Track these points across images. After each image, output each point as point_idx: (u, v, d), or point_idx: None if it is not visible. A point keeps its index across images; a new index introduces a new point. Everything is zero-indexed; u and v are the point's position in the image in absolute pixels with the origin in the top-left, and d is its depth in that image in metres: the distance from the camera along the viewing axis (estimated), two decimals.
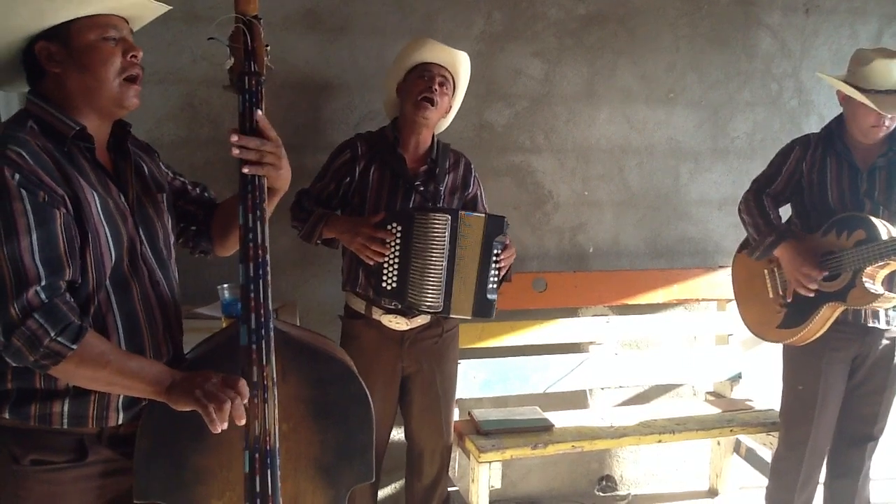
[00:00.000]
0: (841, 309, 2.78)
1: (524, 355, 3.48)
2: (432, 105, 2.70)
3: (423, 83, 2.71)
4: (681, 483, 3.94)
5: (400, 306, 2.67)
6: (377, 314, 2.75)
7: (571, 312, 3.60)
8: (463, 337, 3.24)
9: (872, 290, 2.67)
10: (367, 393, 1.78)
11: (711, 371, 3.72)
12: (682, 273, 3.66)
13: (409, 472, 3.04)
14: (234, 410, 1.51)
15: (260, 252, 1.61)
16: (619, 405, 3.75)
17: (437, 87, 2.70)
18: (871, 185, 2.78)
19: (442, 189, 2.80)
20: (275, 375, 1.60)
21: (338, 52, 3.22)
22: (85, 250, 1.58)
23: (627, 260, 3.72)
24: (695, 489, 3.91)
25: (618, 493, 3.84)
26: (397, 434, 3.13)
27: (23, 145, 1.52)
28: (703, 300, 3.75)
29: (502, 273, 2.66)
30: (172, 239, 1.87)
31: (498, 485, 3.57)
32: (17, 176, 1.48)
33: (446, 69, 2.77)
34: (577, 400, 3.62)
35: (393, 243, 2.58)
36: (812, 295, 2.79)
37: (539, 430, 3.21)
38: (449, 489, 3.09)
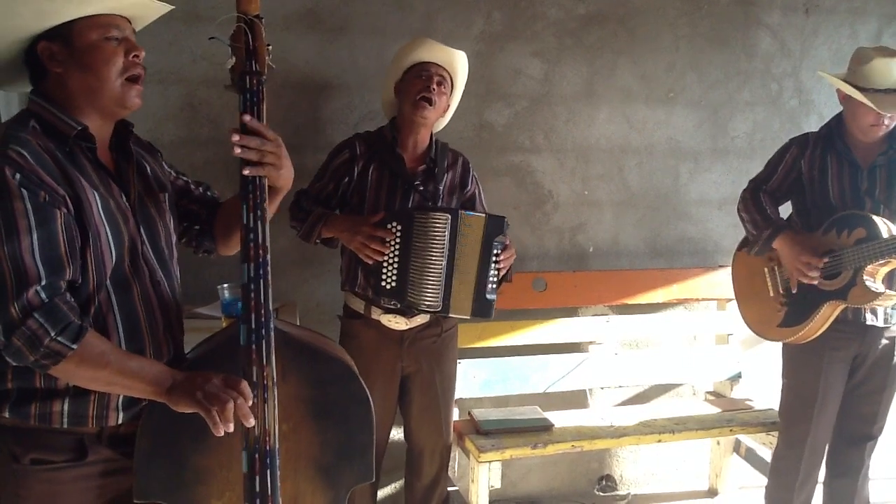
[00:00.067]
0: (841, 307, 2.78)
1: (524, 355, 3.48)
2: (430, 105, 2.70)
3: (420, 83, 2.71)
4: (680, 483, 3.94)
5: (399, 306, 2.67)
6: (376, 314, 2.75)
7: (571, 312, 3.60)
8: (463, 336, 3.24)
9: (873, 289, 2.67)
10: (368, 393, 1.78)
11: (711, 371, 3.72)
12: (682, 273, 3.66)
13: (408, 472, 3.05)
14: (240, 411, 1.51)
15: (261, 252, 1.61)
16: (619, 405, 3.75)
17: (434, 86, 2.70)
18: (871, 183, 2.79)
19: (441, 188, 2.80)
20: (275, 375, 1.60)
21: (337, 51, 3.22)
22: (85, 250, 1.58)
23: (627, 260, 3.72)
24: (694, 489, 3.91)
25: (618, 492, 3.84)
26: (397, 434, 3.13)
27: (24, 145, 1.52)
28: (703, 300, 3.75)
29: (502, 273, 2.66)
30: (174, 239, 1.87)
31: (498, 484, 3.57)
32: (17, 175, 1.48)
33: (444, 68, 2.77)
34: (576, 400, 3.62)
35: (393, 242, 2.58)
36: (815, 283, 2.79)
37: (539, 430, 3.21)
38: (449, 489, 3.09)
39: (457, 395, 3.21)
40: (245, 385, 1.54)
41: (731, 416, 3.45)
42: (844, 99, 2.82)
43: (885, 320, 2.82)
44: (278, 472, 1.58)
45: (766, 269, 3.02)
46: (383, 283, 2.60)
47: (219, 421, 1.49)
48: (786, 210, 3.04)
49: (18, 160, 1.49)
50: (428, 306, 2.60)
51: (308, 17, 3.17)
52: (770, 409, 3.45)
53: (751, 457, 3.64)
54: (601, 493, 3.82)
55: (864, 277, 2.68)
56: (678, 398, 3.87)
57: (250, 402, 1.53)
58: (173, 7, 1.79)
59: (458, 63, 2.80)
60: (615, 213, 3.68)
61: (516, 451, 3.08)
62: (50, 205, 1.51)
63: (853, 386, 2.93)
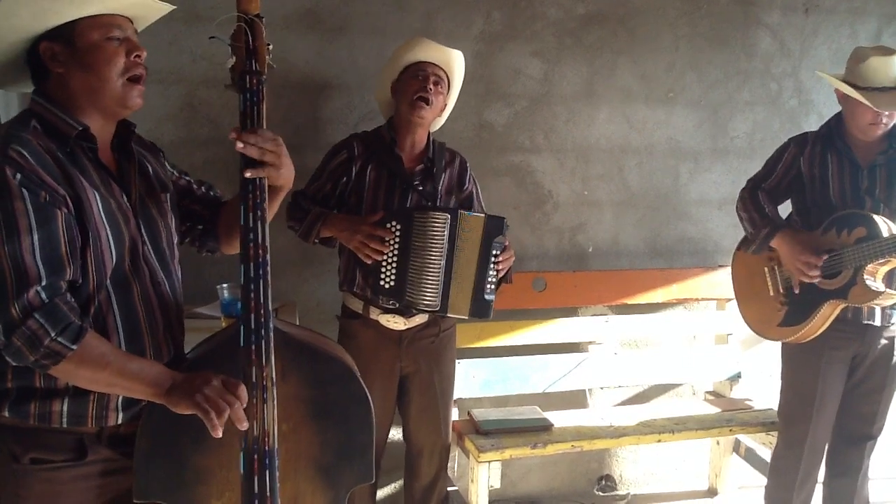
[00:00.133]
0: (842, 306, 2.79)
1: (524, 355, 3.48)
2: (427, 105, 2.70)
3: (417, 83, 2.70)
4: (680, 482, 3.94)
5: (398, 305, 2.67)
6: (375, 314, 2.75)
7: (571, 312, 3.60)
8: (462, 336, 3.24)
9: (873, 288, 2.67)
10: (368, 393, 1.78)
11: (711, 371, 3.72)
12: (682, 273, 3.66)
13: (407, 472, 3.04)
14: (235, 414, 1.51)
15: (260, 252, 1.61)
16: (619, 405, 3.75)
17: (431, 86, 2.70)
18: (871, 182, 2.79)
19: (439, 188, 2.80)
20: (274, 376, 1.60)
21: (337, 51, 3.22)
22: (86, 250, 1.58)
23: (627, 259, 3.72)
24: (694, 489, 3.91)
25: (617, 492, 3.84)
26: (396, 434, 3.13)
27: (25, 145, 1.52)
28: (703, 300, 3.75)
29: (501, 274, 2.66)
30: (176, 239, 1.87)
31: (497, 484, 3.58)
32: (18, 176, 1.48)
33: (441, 68, 2.77)
34: (576, 399, 3.62)
35: (392, 242, 2.58)
36: (816, 282, 2.79)
37: (538, 430, 3.21)
38: (448, 489, 3.09)
39: (456, 395, 3.21)
40: (243, 389, 1.54)
41: (731, 416, 3.45)
42: (843, 98, 2.82)
43: (885, 320, 2.82)
44: (277, 473, 1.58)
45: (766, 269, 3.03)
46: (382, 283, 2.60)
47: (217, 423, 1.49)
48: (785, 209, 3.04)
49: (19, 160, 1.49)
50: (426, 306, 2.60)
51: (308, 17, 3.17)
52: (769, 409, 3.45)
53: (750, 457, 3.64)
54: (601, 493, 3.82)
55: (865, 276, 2.68)
56: (678, 398, 3.87)
57: (244, 404, 1.54)
58: (175, 7, 1.79)
59: (455, 62, 2.80)
60: (615, 213, 3.68)
61: (516, 450, 3.08)
62: (50, 205, 1.51)
63: (852, 385, 2.93)
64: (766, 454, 3.43)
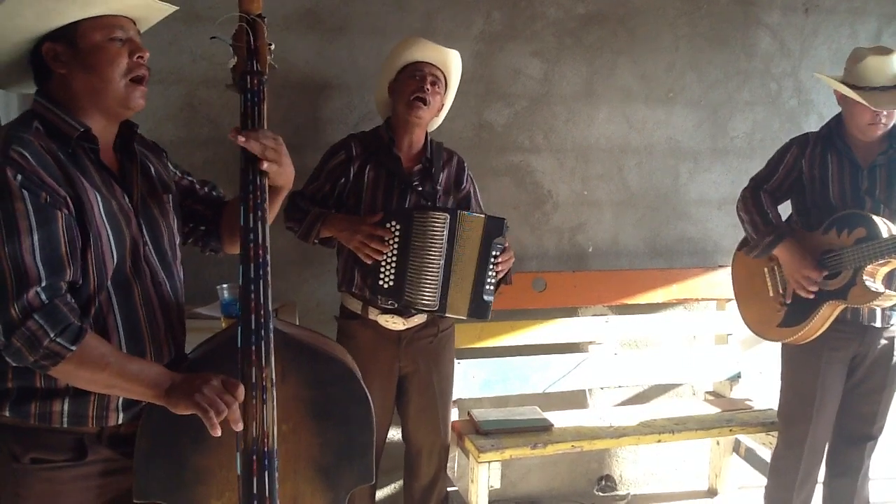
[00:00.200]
0: (841, 307, 2.79)
1: (524, 355, 3.48)
2: (425, 105, 2.70)
3: (414, 83, 2.70)
4: (680, 483, 3.94)
5: (396, 305, 2.67)
6: (373, 314, 2.75)
7: (571, 312, 3.60)
8: (462, 337, 3.24)
9: (873, 289, 2.67)
10: (368, 393, 1.78)
11: (711, 371, 3.72)
12: (682, 273, 3.66)
13: (406, 473, 3.04)
14: (231, 415, 1.51)
15: (260, 252, 1.61)
16: (619, 405, 3.75)
17: (428, 86, 2.70)
18: (871, 182, 2.79)
19: (438, 188, 2.80)
20: (274, 376, 1.59)
21: (337, 51, 3.22)
22: (86, 251, 1.58)
23: (627, 259, 3.72)
24: (694, 489, 3.91)
25: (617, 492, 3.84)
26: (395, 434, 3.12)
27: (26, 146, 1.52)
28: (703, 300, 3.75)
29: (500, 275, 2.66)
30: (178, 240, 1.87)
31: (497, 485, 3.58)
32: (19, 177, 1.48)
33: (438, 68, 2.77)
34: (576, 400, 3.62)
35: (391, 242, 2.58)
36: (812, 297, 2.79)
37: (538, 430, 3.21)
38: (448, 489, 3.09)
39: (456, 396, 3.21)
40: (241, 388, 1.54)
41: (731, 416, 3.45)
42: (842, 99, 2.83)
43: (885, 321, 2.82)
44: (276, 474, 1.58)
45: (765, 270, 3.02)
46: (381, 283, 2.60)
47: (216, 423, 1.49)
48: (785, 209, 3.04)
49: (20, 161, 1.49)
50: (425, 306, 2.60)
51: (308, 17, 3.17)
52: (769, 409, 3.45)
53: (750, 457, 3.64)
54: (601, 494, 3.82)
55: (864, 277, 2.68)
56: (678, 398, 3.87)
57: (241, 401, 1.54)
58: (177, 8, 1.79)
59: (452, 62, 2.80)
60: (615, 213, 3.68)
61: (516, 451, 3.08)
62: (51, 206, 1.51)
63: (852, 385, 2.93)
64: (766, 454, 3.43)
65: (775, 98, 3.80)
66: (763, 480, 3.25)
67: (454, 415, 3.24)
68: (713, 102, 3.72)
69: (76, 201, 1.56)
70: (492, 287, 2.62)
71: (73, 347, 1.49)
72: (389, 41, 3.10)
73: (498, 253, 2.61)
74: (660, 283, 3.61)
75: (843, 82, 2.77)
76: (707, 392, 3.82)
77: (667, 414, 3.46)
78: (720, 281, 3.59)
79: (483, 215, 2.61)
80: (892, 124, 2.77)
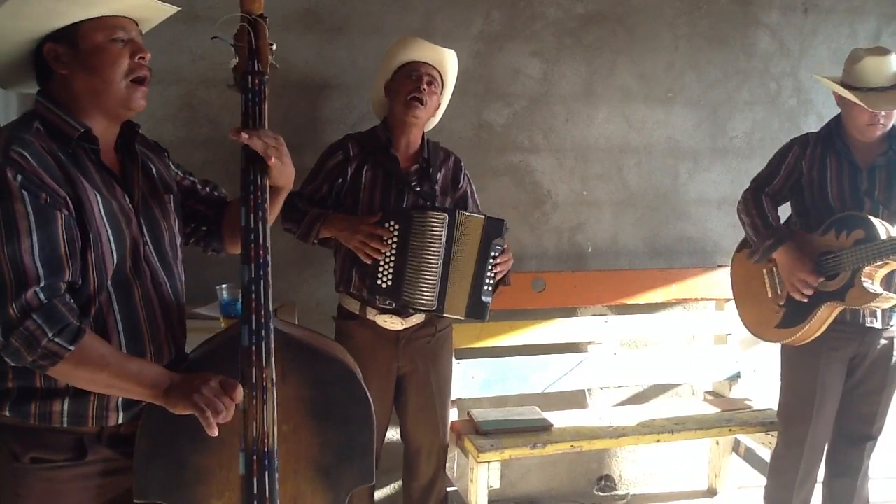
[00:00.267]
0: (839, 309, 2.79)
1: (523, 355, 3.48)
2: (422, 104, 2.70)
3: (411, 83, 2.70)
4: (680, 483, 3.94)
5: (394, 305, 2.67)
6: (372, 314, 2.75)
7: (570, 312, 3.60)
8: (461, 337, 3.24)
9: (871, 290, 2.67)
10: (368, 394, 1.78)
11: (710, 371, 3.72)
12: (681, 273, 3.66)
13: (405, 472, 3.04)
14: (227, 417, 1.51)
15: (261, 253, 1.61)
16: (618, 405, 3.75)
17: (425, 86, 2.70)
18: (871, 183, 2.79)
19: (437, 188, 2.80)
20: (274, 377, 1.59)
21: (336, 51, 3.22)
22: (86, 252, 1.58)
23: (626, 259, 3.72)
24: (694, 489, 3.91)
25: (617, 492, 3.84)
26: (395, 435, 3.12)
27: (26, 146, 1.52)
28: (702, 300, 3.75)
29: (498, 276, 2.67)
30: (179, 240, 1.87)
31: (497, 485, 3.58)
32: (19, 177, 1.48)
33: (434, 67, 2.77)
34: (575, 400, 3.62)
35: (390, 241, 2.58)
36: (806, 301, 2.80)
37: (538, 430, 3.21)
38: (448, 489, 3.09)
39: (456, 396, 3.21)
40: (239, 389, 1.54)
41: (730, 416, 3.45)
42: (840, 100, 2.83)
43: (884, 322, 2.82)
44: (277, 474, 1.58)
45: (764, 271, 3.02)
46: (379, 282, 2.60)
47: (213, 422, 1.49)
48: (784, 209, 3.04)
49: (20, 161, 1.49)
50: (423, 305, 2.60)
51: (307, 17, 3.17)
52: (769, 409, 3.45)
53: (750, 457, 3.64)
54: (600, 493, 3.82)
55: (863, 279, 2.68)
56: (677, 398, 3.86)
57: (239, 400, 1.54)
58: (179, 9, 1.79)
59: (448, 62, 2.80)
60: (614, 213, 3.68)
61: (515, 451, 3.08)
62: (51, 206, 1.51)
63: (852, 386, 2.93)
64: (765, 454, 3.43)
65: (775, 98, 3.80)
66: (763, 480, 3.25)
67: (453, 415, 3.24)
68: (712, 102, 3.72)
69: (76, 202, 1.56)
70: (490, 288, 2.62)
71: (72, 347, 1.49)
72: (389, 41, 3.10)
73: (497, 254, 2.61)
74: (659, 283, 3.61)
75: (841, 83, 2.77)
76: (706, 392, 3.82)
77: (666, 414, 3.46)
78: (719, 281, 3.59)
79: (482, 216, 2.62)
80: (891, 125, 2.77)
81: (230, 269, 2.65)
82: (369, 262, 2.60)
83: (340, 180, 2.74)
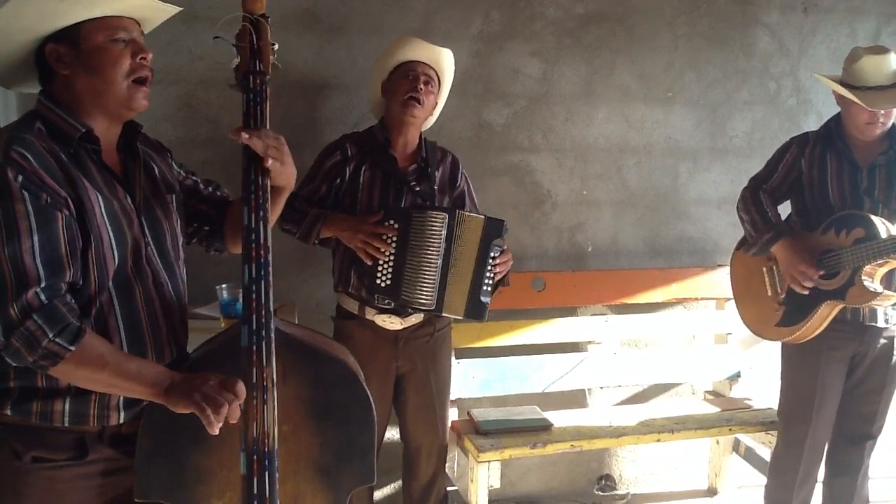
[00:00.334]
0: (839, 307, 2.79)
1: (523, 355, 3.48)
2: (419, 104, 2.70)
3: (408, 83, 2.70)
4: (680, 482, 3.94)
5: (393, 305, 2.68)
6: (371, 314, 2.75)
7: (570, 312, 3.60)
8: (461, 336, 3.24)
9: (871, 289, 2.67)
10: (369, 394, 1.78)
11: (710, 370, 3.72)
12: (681, 272, 3.66)
13: (405, 472, 3.04)
14: (231, 414, 1.51)
15: (262, 252, 1.61)
16: (618, 404, 3.75)
17: (422, 85, 2.70)
18: (871, 183, 2.79)
19: (435, 188, 2.80)
20: (275, 377, 1.59)
21: (336, 51, 3.21)
22: (87, 252, 1.58)
23: (626, 259, 3.72)
24: (694, 488, 3.91)
25: (617, 492, 3.84)
26: (395, 434, 3.12)
27: (27, 147, 1.52)
28: (702, 299, 3.75)
29: (498, 277, 2.67)
30: (181, 240, 1.87)
31: (497, 484, 3.57)
32: (20, 178, 1.48)
33: (430, 67, 2.77)
34: (576, 399, 3.62)
35: (390, 241, 2.58)
36: (807, 293, 2.79)
37: (538, 430, 3.21)
38: (448, 489, 3.09)
39: (456, 395, 3.22)
40: (241, 386, 1.54)
41: (731, 416, 3.45)
42: (840, 99, 2.83)
43: (885, 320, 2.82)
44: (277, 474, 1.58)
45: (764, 269, 3.03)
46: (378, 281, 2.60)
47: (213, 421, 1.49)
48: (784, 209, 3.04)
49: (21, 162, 1.49)
50: (422, 305, 2.60)
51: (306, 17, 3.17)
52: (769, 409, 3.45)
53: (750, 456, 3.64)
54: (600, 493, 3.82)
55: (863, 277, 2.68)
56: (677, 397, 3.87)
57: (241, 399, 1.53)
58: (181, 9, 1.79)
59: (445, 61, 2.80)
60: (614, 213, 3.68)
61: (515, 450, 3.08)
62: (51, 207, 1.51)
63: (852, 385, 2.93)
64: (765, 453, 3.43)
65: (774, 97, 3.80)
66: (763, 480, 3.25)
67: (454, 414, 3.24)
68: (712, 102, 3.72)
69: (77, 202, 1.56)
70: (489, 288, 2.63)
71: (72, 347, 1.49)
72: (388, 41, 3.10)
73: (496, 254, 2.61)
74: (659, 283, 3.61)
75: (840, 82, 2.77)
76: (706, 391, 3.82)
77: (666, 413, 3.46)
78: (719, 280, 3.59)
79: (482, 216, 2.62)
80: (890, 124, 2.77)
81: (230, 269, 2.65)
82: (370, 262, 2.60)
83: (339, 180, 2.74)
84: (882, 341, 2.87)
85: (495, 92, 3.44)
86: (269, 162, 1.65)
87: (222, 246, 2.04)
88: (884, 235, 2.64)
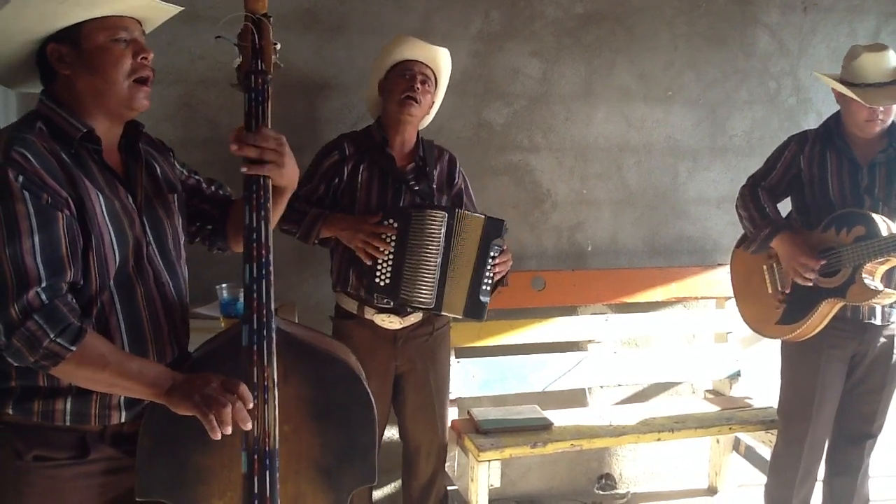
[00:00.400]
0: (840, 305, 2.79)
1: (523, 354, 3.48)
2: (416, 103, 2.70)
3: (404, 82, 2.70)
4: (680, 481, 3.94)
5: (392, 304, 2.68)
6: (370, 314, 2.75)
7: (570, 311, 3.60)
8: (461, 336, 3.25)
9: (872, 287, 2.67)
10: (370, 394, 1.78)
11: (710, 369, 3.72)
12: (681, 271, 3.66)
13: (405, 471, 3.05)
14: (237, 415, 1.50)
15: (263, 252, 1.61)
16: (618, 403, 3.75)
17: (419, 85, 2.70)
18: (871, 180, 2.79)
19: (434, 187, 2.80)
20: (276, 376, 1.59)
21: (335, 51, 3.21)
22: (88, 252, 1.58)
23: (626, 258, 3.72)
24: (694, 487, 3.91)
25: (617, 491, 3.85)
26: (394, 433, 3.12)
27: (28, 147, 1.52)
28: (702, 298, 3.75)
29: (497, 277, 2.67)
30: (182, 239, 1.87)
31: (497, 483, 3.58)
32: (20, 178, 1.48)
33: (427, 66, 2.77)
34: (576, 398, 3.62)
35: (389, 240, 2.58)
36: (811, 284, 2.79)
37: (538, 429, 3.21)
38: (448, 488, 3.09)
39: (456, 395, 3.22)
40: (244, 388, 1.54)
41: (731, 415, 3.45)
42: (839, 97, 2.84)
43: (884, 319, 2.83)
44: (277, 474, 1.58)
45: (764, 267, 3.03)
46: (377, 280, 2.60)
47: (216, 425, 1.49)
48: (785, 207, 3.04)
49: (21, 162, 1.49)
50: (421, 303, 2.60)
51: (306, 17, 3.17)
52: (769, 408, 3.45)
53: (750, 455, 3.64)
54: (601, 492, 3.82)
55: (863, 275, 2.69)
56: (677, 396, 3.87)
57: (250, 405, 1.53)
58: (183, 9, 1.79)
59: (441, 60, 2.80)
60: (614, 212, 3.68)
61: (515, 450, 3.08)
62: (52, 207, 1.51)
63: (852, 384, 2.93)
64: (765, 452, 3.43)
65: (774, 97, 3.80)
66: (763, 478, 3.25)
67: (454, 414, 3.24)
68: (712, 101, 3.72)
69: (78, 202, 1.56)
70: (488, 288, 2.63)
71: (73, 348, 1.50)
72: (388, 41, 3.10)
73: (496, 254, 2.61)
74: (659, 282, 3.61)
75: (839, 80, 2.77)
76: (707, 390, 3.82)
77: (666, 412, 3.46)
78: (719, 279, 3.60)
79: (483, 216, 2.62)
80: (889, 121, 2.77)
81: (230, 269, 2.65)
82: (369, 262, 2.60)
83: (337, 180, 2.74)
84: (882, 340, 2.87)
85: (495, 92, 3.44)
86: (266, 168, 1.64)
87: (225, 245, 2.04)
88: (885, 233, 2.64)
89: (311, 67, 3.19)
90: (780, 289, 2.95)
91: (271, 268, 1.61)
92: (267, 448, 1.56)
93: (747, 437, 3.62)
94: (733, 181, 3.70)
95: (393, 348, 2.79)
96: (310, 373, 1.73)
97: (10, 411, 1.61)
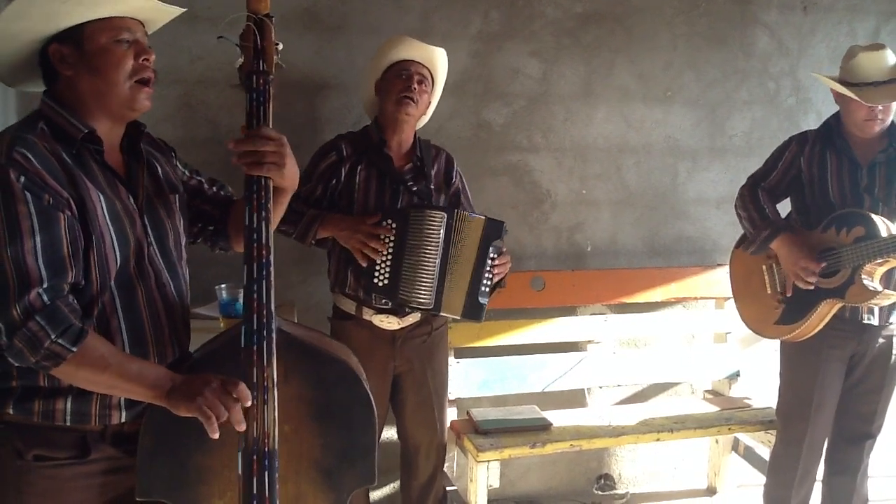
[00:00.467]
0: (839, 305, 2.79)
1: (522, 354, 3.48)
2: (413, 103, 2.70)
3: (401, 82, 2.70)
4: (679, 481, 3.94)
5: (391, 304, 2.67)
6: (368, 314, 2.74)
7: (569, 311, 3.60)
8: (460, 336, 3.24)
9: (871, 287, 2.67)
10: (370, 395, 1.77)
11: (709, 369, 3.72)
12: (680, 271, 3.67)
13: (404, 472, 3.04)
14: (233, 416, 1.51)
15: (263, 252, 1.61)
16: (618, 404, 3.75)
17: (416, 85, 2.70)
18: (871, 180, 2.79)
19: (432, 187, 2.80)
20: (276, 377, 1.59)
21: (335, 51, 3.21)
22: (89, 253, 1.58)
23: (625, 258, 3.72)
24: (693, 487, 3.91)
25: (616, 491, 3.85)
26: (393, 434, 3.12)
27: (30, 147, 1.52)
28: (701, 298, 3.75)
29: (496, 279, 2.66)
30: (184, 240, 1.87)
31: (496, 484, 3.58)
32: (22, 178, 1.48)
33: (424, 66, 2.77)
34: (575, 399, 3.62)
35: (387, 240, 2.58)
36: (811, 288, 2.79)
37: (537, 429, 3.21)
38: (447, 488, 3.09)
39: (455, 395, 3.22)
40: (243, 388, 1.54)
41: (730, 415, 3.45)
42: (838, 97, 2.84)
43: (883, 319, 2.83)
44: (276, 475, 1.57)
45: (763, 267, 3.03)
46: (376, 281, 2.60)
47: (214, 426, 1.49)
48: (784, 207, 3.04)
49: (23, 163, 1.49)
50: (419, 304, 2.60)
51: (305, 17, 3.16)
52: (768, 408, 3.46)
53: (749, 455, 3.64)
54: (600, 493, 3.82)
55: (862, 276, 2.69)
56: (676, 397, 3.87)
57: (248, 404, 1.53)
58: (185, 10, 1.78)
59: (438, 60, 2.80)
60: (613, 213, 3.68)
61: (515, 450, 3.08)
62: (53, 207, 1.51)
63: (851, 385, 2.93)
64: (765, 453, 3.43)
65: (773, 97, 3.80)
66: (762, 479, 3.25)
67: (453, 414, 3.24)
68: (711, 101, 3.73)
69: (79, 203, 1.56)
70: (487, 289, 2.63)
71: (74, 349, 1.50)
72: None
73: (495, 256, 2.61)
74: (658, 282, 3.61)
75: (838, 80, 2.78)
76: (706, 391, 3.82)
77: (666, 413, 3.46)
78: (719, 279, 3.60)
79: (483, 217, 2.62)
80: (889, 120, 2.78)
81: (229, 269, 2.65)
82: (365, 263, 2.60)
83: (334, 181, 2.74)
84: (881, 341, 2.87)
85: (494, 92, 3.44)
86: (264, 169, 1.64)
87: (227, 245, 2.04)
88: (884, 234, 2.65)
89: (310, 67, 3.19)
90: (779, 289, 2.95)
91: (272, 268, 1.61)
92: (266, 448, 1.56)
93: (746, 438, 3.62)
94: (733, 181, 3.70)
95: (391, 349, 2.79)
96: (310, 373, 1.73)
97: (11, 411, 1.61)
